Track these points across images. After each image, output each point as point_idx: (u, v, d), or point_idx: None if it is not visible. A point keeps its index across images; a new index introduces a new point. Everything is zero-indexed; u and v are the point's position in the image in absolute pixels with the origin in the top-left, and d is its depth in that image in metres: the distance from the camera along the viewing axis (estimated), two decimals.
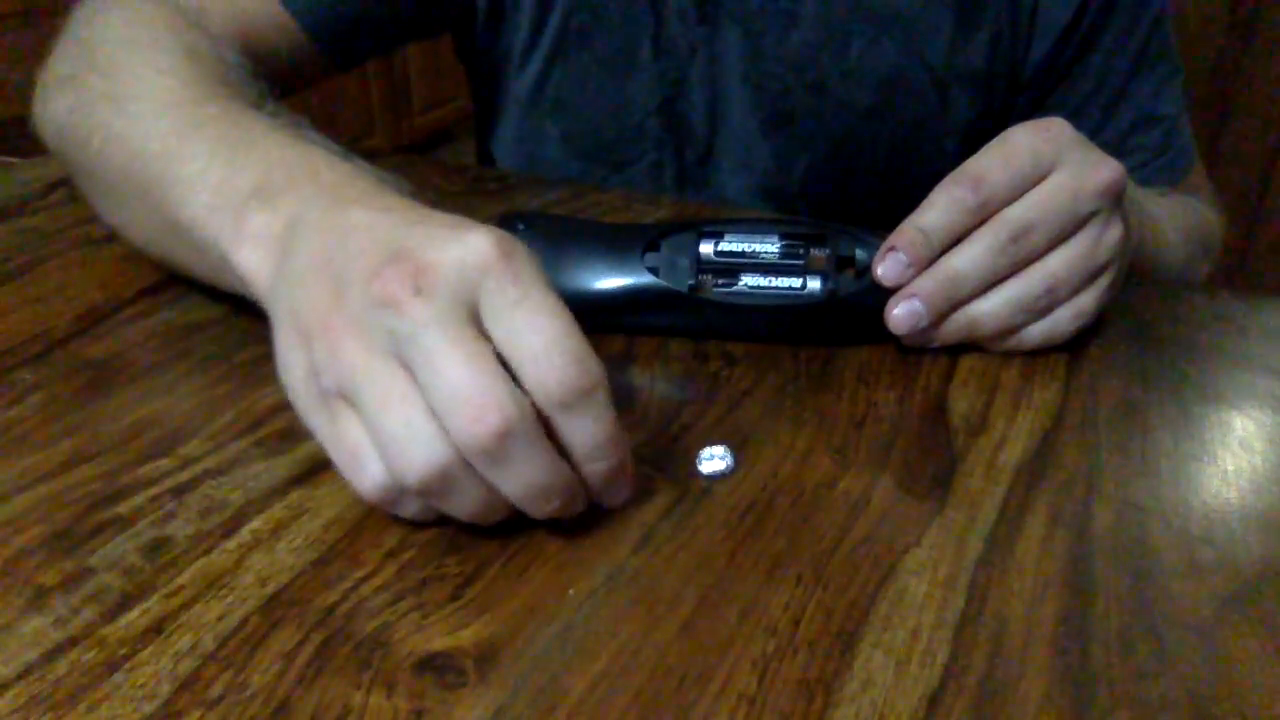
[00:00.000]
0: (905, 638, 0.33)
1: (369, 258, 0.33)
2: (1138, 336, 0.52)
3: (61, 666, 0.31)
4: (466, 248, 0.33)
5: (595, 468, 0.35)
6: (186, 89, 0.48)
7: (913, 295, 0.47)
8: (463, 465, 0.32)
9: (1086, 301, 0.48)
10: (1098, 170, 0.46)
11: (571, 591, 0.34)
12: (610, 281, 0.48)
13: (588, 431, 0.34)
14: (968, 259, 0.46)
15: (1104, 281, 0.48)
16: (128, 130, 0.47)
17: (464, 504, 0.34)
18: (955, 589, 0.35)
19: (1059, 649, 0.33)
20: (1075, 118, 0.49)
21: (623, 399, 0.45)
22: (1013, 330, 0.48)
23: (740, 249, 0.49)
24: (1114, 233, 0.47)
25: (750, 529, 0.37)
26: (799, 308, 0.48)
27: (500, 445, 0.31)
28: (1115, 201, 0.47)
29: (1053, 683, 0.31)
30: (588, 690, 0.30)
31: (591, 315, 0.49)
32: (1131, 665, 0.32)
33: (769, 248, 0.48)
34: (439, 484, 0.33)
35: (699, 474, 0.40)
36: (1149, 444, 0.43)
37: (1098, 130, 0.70)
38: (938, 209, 0.46)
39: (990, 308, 0.47)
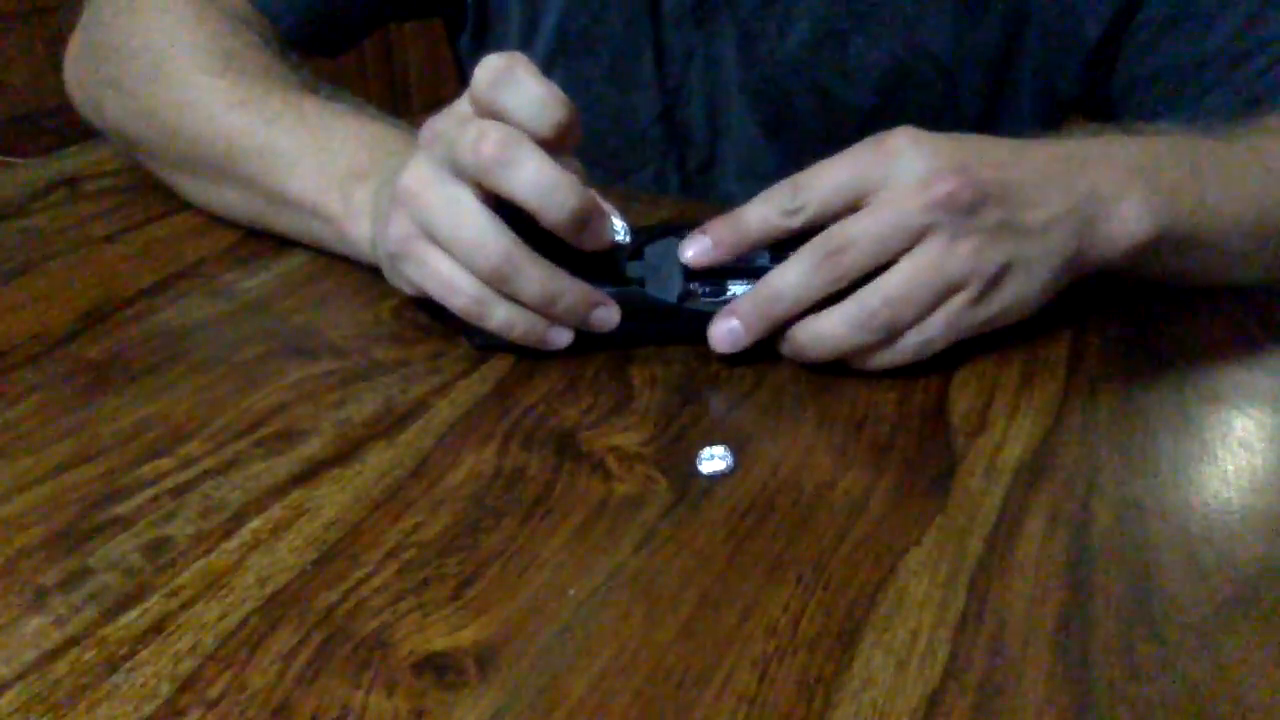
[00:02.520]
0: (905, 638, 0.33)
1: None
2: (1138, 336, 0.52)
3: (61, 666, 0.31)
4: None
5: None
6: (240, 88, 0.57)
7: (731, 314, 0.46)
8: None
9: (935, 323, 0.45)
10: (932, 183, 0.43)
11: (571, 591, 0.34)
12: None
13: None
14: (784, 276, 0.45)
15: (957, 301, 0.45)
16: (205, 131, 0.56)
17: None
18: (955, 589, 0.35)
19: (1059, 649, 0.33)
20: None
21: (623, 399, 0.45)
22: (861, 352, 0.46)
23: None
24: (964, 247, 0.44)
25: (750, 529, 0.37)
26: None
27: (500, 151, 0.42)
28: (962, 213, 0.44)
29: (1053, 683, 0.31)
30: (588, 690, 0.30)
31: (577, 334, 0.48)
32: (1131, 665, 0.32)
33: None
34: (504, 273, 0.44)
35: (699, 474, 0.40)
36: (1149, 444, 0.43)
37: (1228, 75, 0.61)
38: (755, 202, 0.46)
39: (829, 325, 0.45)
